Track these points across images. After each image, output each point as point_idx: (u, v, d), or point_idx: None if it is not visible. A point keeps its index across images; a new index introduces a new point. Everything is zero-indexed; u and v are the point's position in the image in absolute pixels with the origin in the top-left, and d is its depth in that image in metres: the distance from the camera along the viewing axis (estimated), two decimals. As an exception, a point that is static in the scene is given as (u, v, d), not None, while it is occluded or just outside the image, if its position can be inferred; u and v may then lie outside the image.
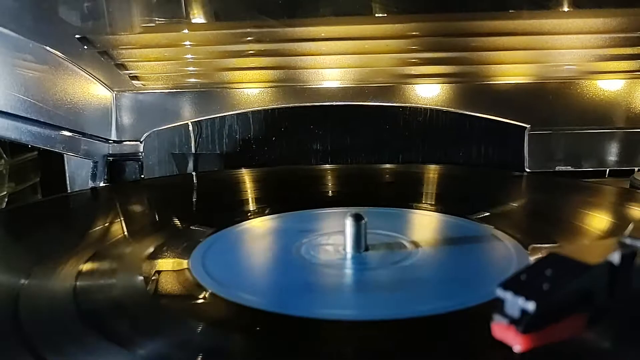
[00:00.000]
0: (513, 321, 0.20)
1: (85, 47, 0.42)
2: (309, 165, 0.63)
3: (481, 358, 0.22)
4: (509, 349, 0.20)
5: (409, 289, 0.28)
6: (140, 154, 0.55)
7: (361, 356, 0.22)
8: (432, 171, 0.59)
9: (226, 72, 0.51)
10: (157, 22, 0.38)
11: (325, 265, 0.31)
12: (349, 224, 0.32)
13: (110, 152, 0.55)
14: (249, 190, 0.52)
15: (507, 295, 0.20)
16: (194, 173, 0.63)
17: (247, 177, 0.56)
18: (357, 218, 0.32)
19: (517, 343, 0.20)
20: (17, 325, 0.24)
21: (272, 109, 0.61)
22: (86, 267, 0.30)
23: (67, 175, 0.61)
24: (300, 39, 0.45)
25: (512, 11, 0.43)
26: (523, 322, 0.20)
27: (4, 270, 0.31)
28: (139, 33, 0.40)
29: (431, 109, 0.61)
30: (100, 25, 0.39)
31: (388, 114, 0.63)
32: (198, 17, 0.39)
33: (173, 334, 0.23)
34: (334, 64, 0.51)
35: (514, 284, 0.20)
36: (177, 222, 0.41)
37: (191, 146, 0.64)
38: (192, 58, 0.46)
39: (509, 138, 0.60)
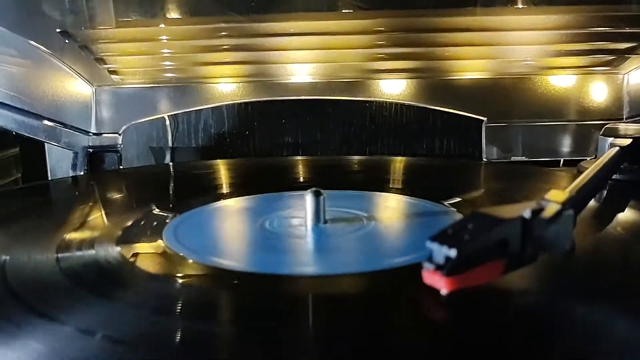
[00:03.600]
0: (438, 267, 0.23)
1: (67, 40, 0.45)
2: (282, 157, 0.65)
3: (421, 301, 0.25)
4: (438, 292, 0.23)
5: (362, 251, 0.31)
6: (119, 145, 0.58)
7: (323, 308, 0.25)
8: (398, 162, 0.62)
9: (201, 67, 0.54)
10: (134, 17, 0.41)
11: (287, 234, 0.34)
12: (309, 199, 0.35)
13: (90, 144, 0.57)
14: (221, 178, 0.55)
15: (434, 246, 0.23)
16: (170, 163, 0.65)
17: (221, 167, 0.59)
18: (317, 194, 0.35)
19: (442, 285, 0.23)
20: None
21: (245, 105, 0.65)
22: (66, 238, 0.33)
23: (48, 167, 0.64)
24: (271, 34, 0.48)
25: (471, 8, 0.46)
26: (446, 267, 0.23)
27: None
28: (117, 27, 0.43)
29: (396, 105, 0.65)
30: (80, 19, 0.41)
31: (356, 109, 0.66)
32: (174, 12, 0.42)
33: (145, 288, 0.26)
34: (303, 59, 0.54)
35: (440, 237, 0.24)
36: (150, 205, 0.43)
37: (168, 140, 0.66)
38: (168, 53, 0.49)
39: (468, 131, 0.64)
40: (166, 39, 0.47)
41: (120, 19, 0.42)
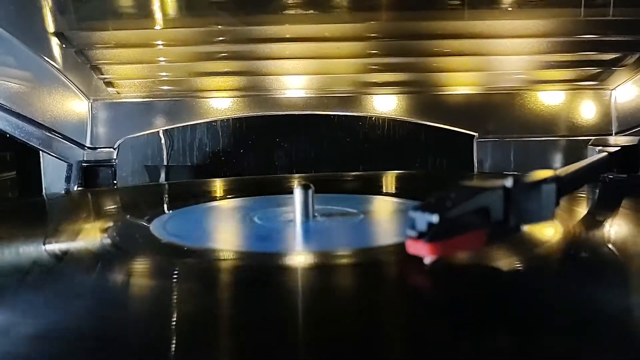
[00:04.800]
0: (421, 234, 0.23)
1: (64, 45, 0.46)
2: (276, 174, 0.66)
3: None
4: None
5: (348, 235, 0.32)
6: (113, 160, 0.58)
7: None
8: (391, 176, 0.62)
9: (196, 79, 0.55)
10: (129, 17, 0.42)
11: (276, 226, 0.34)
12: (297, 193, 0.35)
13: (85, 158, 0.58)
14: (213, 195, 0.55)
15: (417, 214, 0.23)
16: (165, 183, 0.66)
17: (216, 185, 0.59)
18: (305, 187, 0.35)
19: (426, 252, 0.23)
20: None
21: (240, 124, 0.65)
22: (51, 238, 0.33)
23: (43, 189, 0.64)
24: (264, 38, 0.50)
25: (459, 11, 0.48)
26: (430, 233, 0.23)
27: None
28: (112, 30, 0.44)
29: (388, 122, 0.66)
30: (75, 21, 0.42)
31: (349, 127, 0.67)
32: (168, 15, 0.42)
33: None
34: (297, 69, 0.55)
35: (423, 206, 0.24)
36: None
37: (163, 158, 0.67)
38: (163, 60, 0.50)
39: (459, 147, 0.64)
40: (161, 44, 0.48)
41: (115, 21, 0.43)
